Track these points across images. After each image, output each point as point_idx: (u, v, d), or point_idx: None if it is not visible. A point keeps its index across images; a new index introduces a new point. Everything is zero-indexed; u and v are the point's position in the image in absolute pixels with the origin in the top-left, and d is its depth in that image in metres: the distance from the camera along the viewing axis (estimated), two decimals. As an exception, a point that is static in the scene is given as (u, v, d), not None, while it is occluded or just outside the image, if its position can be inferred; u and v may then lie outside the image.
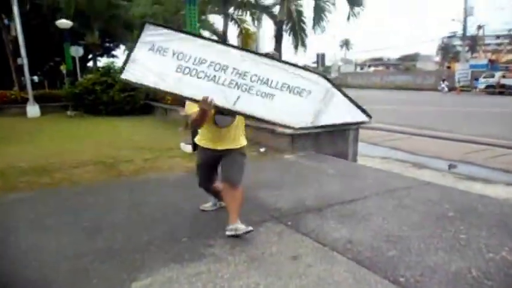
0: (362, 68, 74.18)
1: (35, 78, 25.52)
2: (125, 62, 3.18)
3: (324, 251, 3.08)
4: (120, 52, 27.96)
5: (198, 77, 3.06)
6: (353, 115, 3.06)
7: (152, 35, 3.19)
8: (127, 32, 17.99)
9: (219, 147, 3.40)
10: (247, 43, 12.05)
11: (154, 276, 2.74)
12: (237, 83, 3.05)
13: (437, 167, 8.14)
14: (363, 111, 3.10)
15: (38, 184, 5.19)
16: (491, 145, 9.93)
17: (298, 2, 9.46)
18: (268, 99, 3.04)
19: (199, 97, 2.99)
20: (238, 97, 3.03)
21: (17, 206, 4.35)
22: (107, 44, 26.15)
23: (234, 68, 3.08)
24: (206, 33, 15.60)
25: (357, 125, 7.03)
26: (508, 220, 3.67)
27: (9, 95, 15.47)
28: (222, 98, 3.02)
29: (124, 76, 3.16)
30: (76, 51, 16.90)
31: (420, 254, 2.98)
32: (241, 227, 3.29)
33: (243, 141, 3.50)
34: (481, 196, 4.58)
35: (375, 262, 2.86)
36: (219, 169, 3.55)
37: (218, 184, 3.68)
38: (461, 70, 36.50)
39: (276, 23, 8.51)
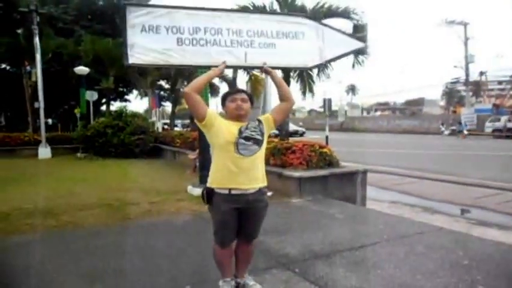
0: (368, 113, 74.81)
1: (49, 121, 26.10)
2: (126, 50, 3.22)
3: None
4: (133, 97, 28.69)
5: (200, 45, 3.18)
6: (348, 44, 3.41)
7: (137, 16, 3.24)
8: (140, 78, 18.57)
9: (246, 186, 2.72)
10: (256, 88, 12.29)
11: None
12: (237, 41, 3.21)
13: (449, 212, 7.95)
14: (357, 38, 3.49)
15: (43, 227, 5.14)
16: (502, 189, 9.75)
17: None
18: (271, 48, 3.22)
19: (213, 63, 3.04)
20: (246, 53, 3.18)
21: (17, 249, 4.27)
22: (121, 89, 26.86)
23: (228, 29, 3.21)
24: (216, 80, 16.03)
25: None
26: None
27: (22, 137, 15.97)
28: (233, 58, 3.19)
29: (131, 61, 3.21)
30: (91, 95, 17.40)
31: (436, 305, 2.85)
32: (251, 284, 3.02)
33: (265, 179, 2.88)
34: (497, 243, 4.43)
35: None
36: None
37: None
38: (467, 114, 36.62)
39: (283, 70, 8.71)
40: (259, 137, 2.76)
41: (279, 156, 7.22)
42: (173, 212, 5.96)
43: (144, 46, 3.16)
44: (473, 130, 35.01)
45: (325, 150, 7.19)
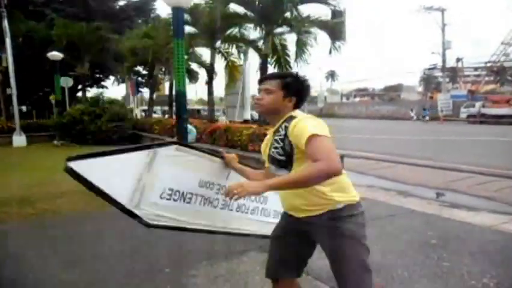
0: (347, 99, 75.52)
1: (24, 108, 25.44)
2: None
3: (307, 280, 3.08)
4: (110, 83, 28.25)
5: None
6: None
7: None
8: (117, 64, 18.26)
9: (298, 214, 1.96)
10: (233, 75, 12.30)
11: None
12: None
13: (422, 195, 8.21)
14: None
15: (20, 215, 5.10)
16: (474, 173, 10.09)
17: (283, 36, 9.80)
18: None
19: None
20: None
21: (-5, 237, 4.27)
22: (98, 75, 26.37)
23: None
24: (194, 65, 15.93)
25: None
26: (490, 247, 3.73)
27: (-5, 125, 15.43)
28: None
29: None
30: (66, 82, 17.00)
31: (404, 281, 3.00)
32: None
33: (334, 197, 1.85)
34: (463, 223, 4.65)
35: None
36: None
37: None
38: (443, 100, 37.41)
39: (261, 57, 8.76)
40: (278, 157, 1.89)
41: (257, 143, 7.31)
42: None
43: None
44: (449, 116, 35.84)
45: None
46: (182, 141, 6.81)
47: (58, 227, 4.59)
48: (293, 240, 2.03)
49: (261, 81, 2.01)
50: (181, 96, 6.23)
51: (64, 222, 4.81)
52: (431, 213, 5.53)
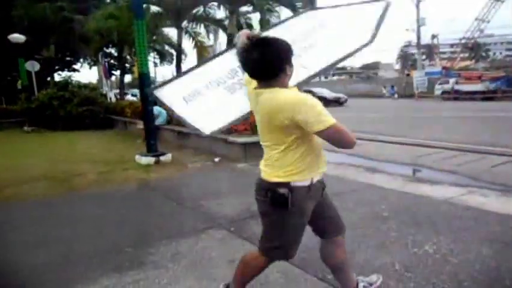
0: (326, 77, 75.83)
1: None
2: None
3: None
4: (83, 66, 27.46)
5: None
6: None
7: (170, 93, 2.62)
8: (84, 46, 17.74)
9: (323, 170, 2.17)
10: (202, 55, 12.18)
11: (91, 286, 2.78)
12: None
13: (389, 171, 8.43)
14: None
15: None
16: (441, 148, 10.41)
17: (248, 15, 9.75)
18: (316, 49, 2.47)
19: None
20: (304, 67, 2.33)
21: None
22: (68, 58, 25.67)
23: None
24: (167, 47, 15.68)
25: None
26: (437, 217, 3.93)
27: (-40, 112, 14.98)
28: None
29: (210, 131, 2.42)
30: (32, 66, 16.47)
31: (352, 252, 3.15)
32: None
33: None
34: (417, 196, 4.85)
35: (307, 262, 3.00)
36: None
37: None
38: (418, 77, 37.95)
39: (227, 36, 8.72)
40: None
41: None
42: (120, 181, 6.03)
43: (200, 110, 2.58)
44: (424, 92, 36.44)
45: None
46: (149, 125, 6.84)
47: (24, 212, 4.62)
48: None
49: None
50: (144, 78, 6.21)
51: (29, 206, 4.84)
52: (391, 188, 5.73)
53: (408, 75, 46.54)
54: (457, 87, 32.75)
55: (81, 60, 24.44)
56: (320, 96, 26.85)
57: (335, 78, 72.23)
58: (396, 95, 36.58)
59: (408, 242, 3.28)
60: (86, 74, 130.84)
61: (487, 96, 28.90)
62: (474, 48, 58.77)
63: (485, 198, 5.78)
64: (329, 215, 2.32)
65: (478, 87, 31.34)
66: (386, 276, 2.73)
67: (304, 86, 2.27)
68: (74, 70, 26.42)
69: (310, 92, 28.11)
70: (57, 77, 21.95)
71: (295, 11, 9.20)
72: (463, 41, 44.71)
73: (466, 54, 56.35)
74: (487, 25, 41.42)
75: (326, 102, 26.13)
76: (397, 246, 3.22)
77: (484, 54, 69.70)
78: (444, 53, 55.19)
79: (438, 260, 2.95)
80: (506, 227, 3.60)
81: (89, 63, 24.17)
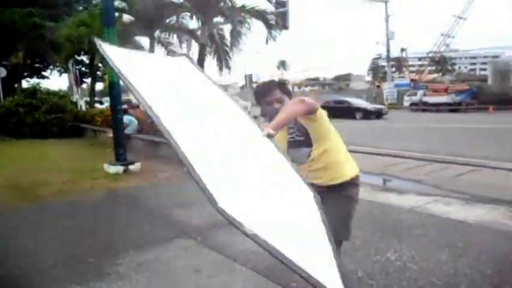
0: (299, 88, 76.71)
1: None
2: None
3: (226, 262, 3.21)
4: (53, 73, 26.77)
5: None
6: None
7: None
8: (55, 53, 17.34)
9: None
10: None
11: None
12: None
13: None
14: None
15: None
16: (408, 158, 10.70)
17: (220, 26, 9.81)
18: None
19: None
20: None
21: None
22: (37, 65, 25.03)
23: None
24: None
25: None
26: (401, 225, 4.04)
27: None
28: None
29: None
30: (-2, 71, 15.98)
31: (316, 260, 3.20)
32: None
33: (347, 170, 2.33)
34: (383, 205, 4.98)
35: (272, 270, 3.02)
36: None
37: None
38: (388, 89, 39.00)
39: (199, 46, 8.75)
40: (298, 138, 2.27)
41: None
42: (87, 190, 5.91)
43: None
44: (393, 104, 37.40)
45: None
46: (118, 133, 6.75)
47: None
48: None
49: (264, 95, 2.30)
50: (114, 87, 6.14)
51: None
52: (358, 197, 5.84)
53: (378, 86, 47.70)
54: (424, 99, 33.82)
55: (51, 67, 23.89)
56: (358, 107, 26.06)
57: (307, 88, 73.25)
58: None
59: (371, 250, 3.35)
60: (56, 81, 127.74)
61: (453, 108, 29.90)
62: (440, 62, 60.93)
63: (449, 207, 5.98)
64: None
65: (444, 99, 32.44)
66: (348, 283, 2.78)
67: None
68: (44, 77, 25.82)
69: (346, 102, 27.14)
70: (26, 83, 21.38)
71: (267, 23, 9.35)
72: (430, 55, 46.29)
73: (433, 68, 58.30)
74: (452, 40, 43.05)
75: (366, 114, 25.00)
76: (361, 254, 3.29)
77: (450, 67, 72.22)
78: (413, 65, 56.90)
79: (399, 267, 3.03)
80: (464, 234, 3.74)
81: (59, 71, 23.62)
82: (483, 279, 2.78)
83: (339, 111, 23.53)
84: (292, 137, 2.29)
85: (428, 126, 20.08)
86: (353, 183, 2.37)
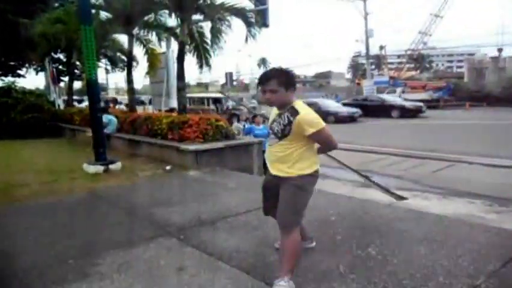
0: (280, 85, 76.87)
1: None
2: None
3: (210, 261, 3.21)
4: (29, 72, 26.07)
5: None
6: None
7: None
8: (30, 51, 16.89)
9: (271, 171, 2.86)
10: (153, 63, 12.05)
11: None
12: None
13: (339, 177, 8.71)
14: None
15: None
16: (387, 154, 10.90)
17: (200, 24, 9.75)
18: None
19: None
20: None
21: None
22: (12, 63, 24.34)
23: None
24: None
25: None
26: (381, 220, 4.10)
27: None
28: None
29: None
30: (-30, 70, 15.53)
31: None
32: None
33: (303, 169, 2.71)
34: (364, 201, 5.04)
35: (255, 267, 3.04)
36: None
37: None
38: (367, 86, 39.41)
39: (179, 44, 8.68)
40: (278, 133, 2.71)
41: (176, 131, 7.30)
42: (66, 191, 5.81)
43: None
44: (373, 101, 37.89)
45: (221, 123, 7.42)
46: (98, 132, 6.65)
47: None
48: (271, 190, 2.88)
49: (261, 83, 2.69)
50: (92, 85, 6.05)
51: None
52: (339, 193, 5.91)
53: (358, 84, 48.22)
54: (403, 95, 34.33)
55: (27, 65, 23.27)
56: (393, 104, 24.69)
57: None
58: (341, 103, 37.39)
59: (352, 245, 3.40)
60: (32, 79, 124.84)
61: (431, 104, 30.45)
62: (419, 59, 62.03)
63: (427, 201, 6.13)
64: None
65: (422, 96, 33.03)
66: (330, 278, 2.82)
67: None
68: (20, 75, 25.15)
69: (380, 99, 26.27)
70: (0, 82, 20.81)
71: (247, 21, 9.33)
72: (408, 52, 46.98)
73: (412, 65, 59.22)
74: (429, 38, 43.80)
75: (403, 112, 23.73)
76: (342, 249, 3.34)
77: (427, 65, 73.65)
78: (392, 63, 57.76)
79: (380, 260, 3.08)
80: (442, 227, 3.83)
81: (35, 69, 23.03)
82: (460, 271, 2.85)
83: (372, 110, 23.41)
84: (274, 129, 2.73)
85: (408, 123, 20.45)
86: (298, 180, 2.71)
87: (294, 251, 2.68)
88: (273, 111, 2.83)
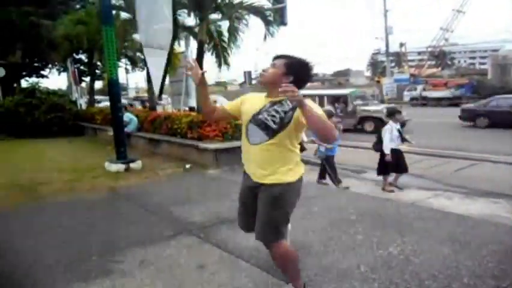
0: (300, 84, 76.42)
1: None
2: None
3: (230, 259, 3.22)
4: (52, 72, 26.63)
5: None
6: None
7: None
8: (53, 52, 17.27)
9: (253, 178, 2.39)
10: (173, 62, 12.13)
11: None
12: None
13: (359, 176, 8.61)
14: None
15: None
16: (408, 152, 10.70)
17: (218, 23, 9.79)
18: None
19: None
20: None
21: None
22: (36, 64, 24.93)
23: None
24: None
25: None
26: (403, 220, 4.04)
27: None
28: None
29: None
30: (-4, 71, 15.95)
31: (319, 255, 3.21)
32: None
33: (288, 175, 2.30)
34: (385, 200, 4.98)
35: (275, 266, 3.03)
36: None
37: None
38: (388, 84, 38.93)
39: (198, 43, 8.72)
40: (271, 124, 2.23)
41: (196, 130, 7.35)
42: (88, 188, 5.91)
43: None
44: (393, 99, 37.37)
45: (240, 122, 7.41)
46: (119, 131, 6.75)
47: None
48: (248, 199, 2.52)
49: (274, 58, 2.33)
50: (114, 85, 6.14)
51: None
52: (360, 192, 5.85)
53: (378, 82, 47.64)
54: (424, 93, 33.74)
55: (50, 66, 23.81)
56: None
57: (307, 84, 73.20)
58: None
59: (373, 244, 3.36)
60: (55, 80, 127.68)
61: (452, 102, 29.83)
62: (440, 56, 60.78)
63: (449, 201, 6.00)
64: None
65: (444, 93, 32.38)
66: (351, 278, 2.79)
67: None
68: (43, 76, 25.75)
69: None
70: (25, 83, 21.33)
71: (265, 19, 9.32)
72: (430, 49, 46.15)
73: (433, 62, 58.15)
74: (451, 34, 42.93)
75: None
76: (363, 249, 3.30)
77: (449, 62, 72.17)
78: (412, 60, 56.88)
79: (401, 260, 3.04)
80: (466, 228, 3.74)
81: (58, 69, 23.54)
82: (485, 272, 2.79)
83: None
84: (266, 119, 2.25)
85: (429, 121, 20.07)
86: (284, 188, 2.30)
87: (286, 261, 2.42)
88: (257, 99, 2.38)
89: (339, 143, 6.99)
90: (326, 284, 2.73)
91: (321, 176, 6.92)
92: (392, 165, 6.57)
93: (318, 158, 6.96)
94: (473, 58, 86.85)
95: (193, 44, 11.53)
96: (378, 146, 6.83)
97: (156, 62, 6.68)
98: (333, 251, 3.27)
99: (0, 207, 5.06)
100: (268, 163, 2.28)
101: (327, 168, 6.77)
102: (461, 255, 3.08)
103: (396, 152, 6.59)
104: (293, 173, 2.32)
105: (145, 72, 12.43)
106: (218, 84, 76.92)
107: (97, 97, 24.55)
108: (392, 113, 6.94)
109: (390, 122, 6.74)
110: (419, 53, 58.01)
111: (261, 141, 2.27)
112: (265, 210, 2.30)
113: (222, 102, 11.72)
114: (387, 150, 6.49)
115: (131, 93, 53.09)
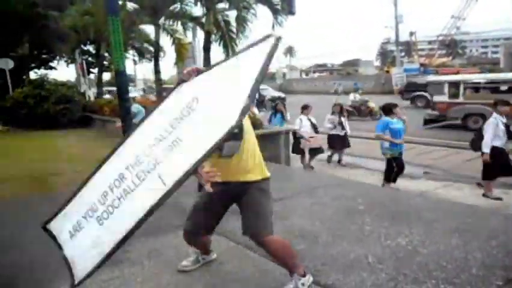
0: (307, 74, 76.16)
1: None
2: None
3: (238, 249, 3.23)
4: (61, 64, 26.78)
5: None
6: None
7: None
8: (61, 43, 17.33)
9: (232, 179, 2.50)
10: (181, 52, 12.12)
11: (65, 285, 2.75)
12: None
13: (367, 166, 8.58)
14: None
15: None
16: (418, 143, 10.63)
17: (225, 12, 9.73)
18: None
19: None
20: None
21: None
22: (44, 56, 25.05)
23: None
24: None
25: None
26: (411, 210, 4.02)
27: None
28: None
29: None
30: (6, 63, 15.97)
31: (326, 245, 3.21)
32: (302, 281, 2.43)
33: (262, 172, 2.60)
34: (393, 190, 4.95)
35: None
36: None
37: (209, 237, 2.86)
38: (397, 74, 38.49)
39: (205, 33, 8.68)
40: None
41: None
42: (97, 179, 5.95)
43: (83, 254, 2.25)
44: (403, 89, 37.00)
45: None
46: (127, 122, 6.75)
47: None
48: (216, 205, 2.78)
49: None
50: (121, 75, 6.14)
51: (2, 206, 4.73)
52: (368, 182, 5.83)
53: (387, 71, 47.16)
54: (434, 83, 33.36)
55: (58, 58, 23.92)
56: None
57: (316, 75, 72.77)
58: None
59: (381, 235, 3.35)
60: (63, 72, 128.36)
61: (463, 92, 29.41)
62: (451, 45, 59.92)
63: (459, 191, 5.96)
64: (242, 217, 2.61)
65: (454, 83, 31.95)
66: (359, 268, 2.79)
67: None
68: (51, 68, 25.89)
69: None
70: (34, 75, 21.45)
71: (272, 8, 9.22)
72: (440, 38, 45.49)
73: (444, 51, 57.37)
74: (463, 22, 42.24)
75: None
76: (371, 239, 3.29)
77: (460, 51, 71.12)
78: (422, 49, 56.16)
79: (409, 251, 3.02)
80: (475, 219, 3.71)
81: (66, 61, 23.65)
82: (494, 263, 2.76)
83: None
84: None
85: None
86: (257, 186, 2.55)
87: (285, 252, 2.46)
88: None
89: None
90: (334, 273, 2.73)
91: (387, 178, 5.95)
92: (498, 166, 5.47)
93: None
94: (486, 47, 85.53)
95: (200, 35, 11.52)
96: (477, 143, 5.80)
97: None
98: (341, 241, 3.26)
99: (12, 197, 5.12)
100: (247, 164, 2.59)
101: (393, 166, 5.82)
102: (470, 246, 3.06)
103: (501, 152, 5.51)
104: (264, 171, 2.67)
105: (152, 63, 12.44)
106: (226, 75, 76.50)
107: (107, 88, 24.72)
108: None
109: (495, 114, 5.64)
110: (430, 42, 57.29)
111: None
112: (253, 201, 2.53)
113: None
114: (486, 148, 5.49)
115: (140, 85, 53.10)
